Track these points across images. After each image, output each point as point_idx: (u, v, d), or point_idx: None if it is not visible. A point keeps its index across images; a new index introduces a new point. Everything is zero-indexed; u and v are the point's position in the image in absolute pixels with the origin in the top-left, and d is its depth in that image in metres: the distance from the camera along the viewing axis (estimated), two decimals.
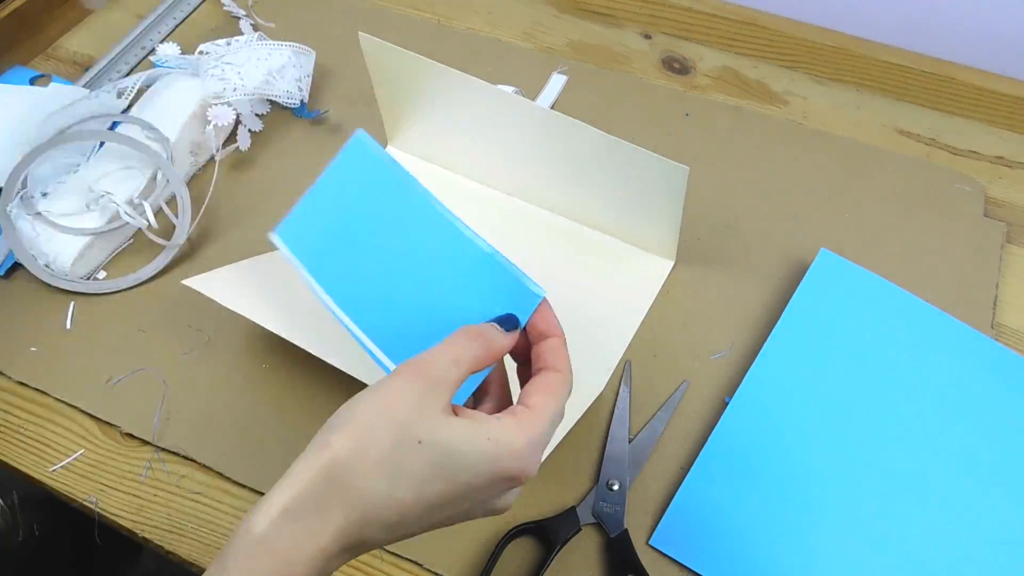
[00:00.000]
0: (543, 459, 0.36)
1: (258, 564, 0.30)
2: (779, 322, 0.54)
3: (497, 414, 0.34)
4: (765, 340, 0.54)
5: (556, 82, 0.70)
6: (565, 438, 0.49)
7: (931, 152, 0.67)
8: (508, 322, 0.37)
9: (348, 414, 0.32)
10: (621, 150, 0.50)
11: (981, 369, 0.52)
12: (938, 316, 0.54)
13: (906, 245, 0.60)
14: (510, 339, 0.36)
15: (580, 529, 0.47)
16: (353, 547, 0.32)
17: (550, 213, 0.60)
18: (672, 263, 0.58)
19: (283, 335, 0.48)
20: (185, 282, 0.50)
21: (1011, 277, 0.59)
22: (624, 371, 0.53)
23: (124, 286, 0.58)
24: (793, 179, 0.64)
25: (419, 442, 0.31)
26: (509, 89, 0.63)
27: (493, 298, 0.39)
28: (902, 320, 0.54)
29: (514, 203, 0.61)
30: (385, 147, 0.65)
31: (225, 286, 0.51)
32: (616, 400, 0.52)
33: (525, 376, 0.38)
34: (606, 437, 0.50)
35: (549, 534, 0.46)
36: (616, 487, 0.48)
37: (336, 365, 0.46)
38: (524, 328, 0.37)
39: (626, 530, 0.47)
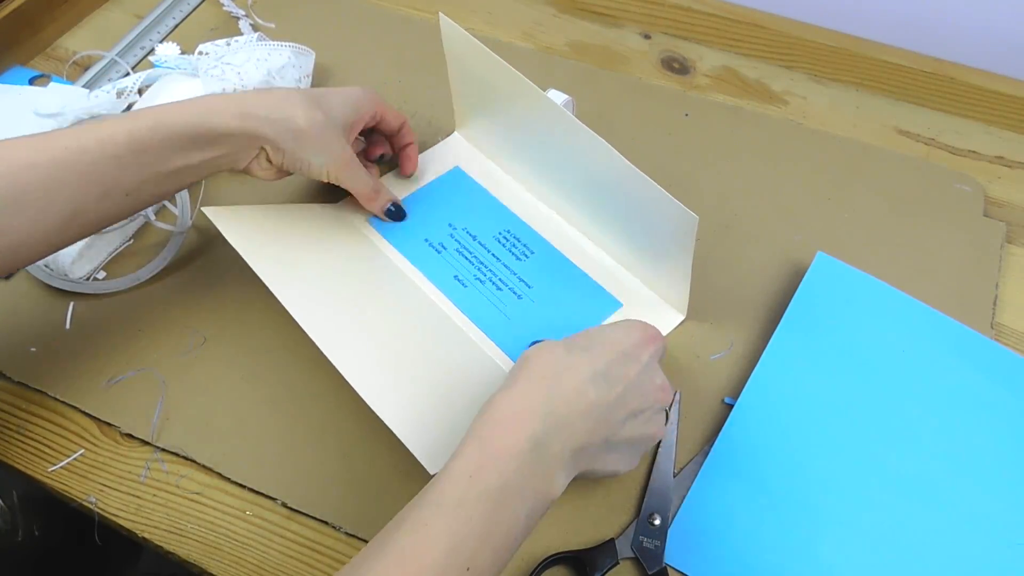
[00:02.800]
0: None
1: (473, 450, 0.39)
2: (778, 328, 0.54)
3: None
4: (765, 340, 0.54)
5: (554, 98, 0.67)
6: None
7: (931, 152, 0.67)
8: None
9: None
10: (639, 183, 0.49)
11: (982, 370, 0.52)
12: (937, 318, 0.54)
13: (906, 245, 0.60)
14: None
15: (618, 563, 0.46)
16: (557, 424, 0.39)
17: (580, 235, 0.59)
18: (682, 317, 0.56)
19: (273, 290, 0.48)
20: (205, 209, 0.52)
21: (1011, 277, 0.59)
22: (673, 403, 0.51)
23: (124, 286, 0.58)
24: (793, 179, 0.64)
25: (572, 342, 0.43)
26: (561, 97, 0.62)
27: (578, 300, 0.56)
28: (901, 323, 0.54)
29: (552, 217, 0.60)
30: (452, 133, 0.66)
31: (241, 225, 0.52)
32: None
33: None
34: (650, 469, 0.49)
35: (585, 565, 0.45)
36: (658, 522, 0.47)
37: (319, 343, 0.47)
38: None
39: (665, 567, 0.45)
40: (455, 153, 0.65)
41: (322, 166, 0.53)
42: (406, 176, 0.62)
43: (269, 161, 0.52)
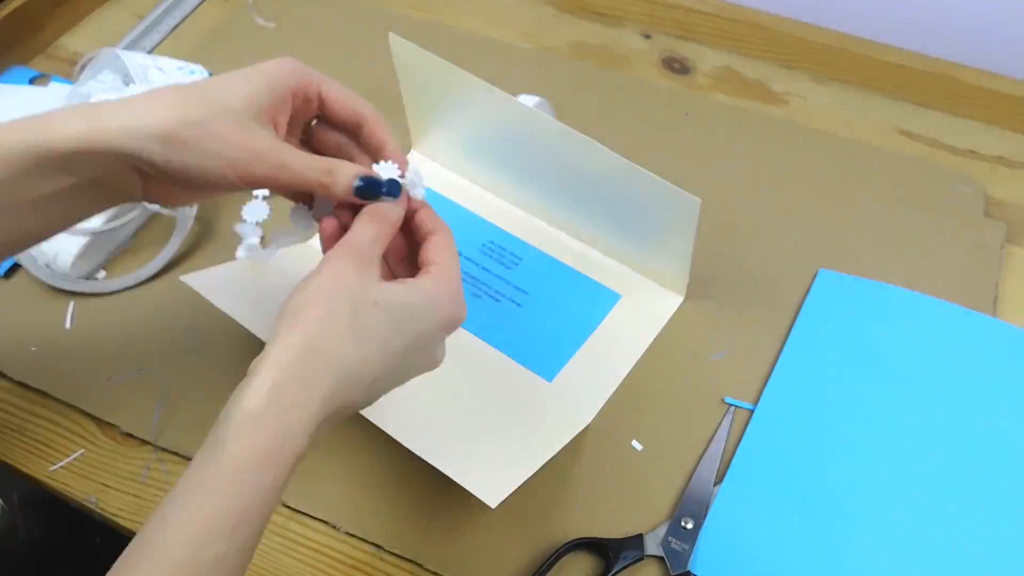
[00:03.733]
0: (515, 488, 0.42)
1: (258, 439, 0.33)
2: (786, 345, 0.53)
3: (419, 275, 0.40)
4: (765, 340, 0.54)
5: (526, 101, 0.64)
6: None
7: (931, 152, 0.67)
8: (391, 190, 0.41)
9: (303, 296, 0.36)
10: (634, 175, 0.49)
11: (997, 353, 0.51)
12: (945, 308, 0.54)
13: (906, 245, 0.60)
14: (401, 209, 0.41)
15: (643, 558, 0.46)
16: (336, 412, 0.36)
17: (563, 234, 0.59)
18: (681, 299, 0.56)
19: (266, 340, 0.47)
20: (183, 278, 0.50)
21: (1011, 277, 0.59)
22: (726, 415, 0.51)
23: (124, 286, 0.58)
24: (793, 179, 0.64)
25: (375, 304, 0.37)
26: (533, 99, 0.62)
27: (577, 298, 0.56)
28: (911, 320, 0.54)
29: (529, 220, 0.60)
30: (408, 151, 0.65)
31: (223, 286, 0.51)
32: (712, 440, 0.50)
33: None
34: (692, 474, 0.49)
35: (609, 553, 0.45)
36: (690, 526, 0.46)
37: None
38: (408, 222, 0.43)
39: (688, 572, 0.45)
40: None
41: (221, 170, 0.39)
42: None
43: (160, 181, 0.41)
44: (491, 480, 0.42)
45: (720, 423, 0.51)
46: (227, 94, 0.40)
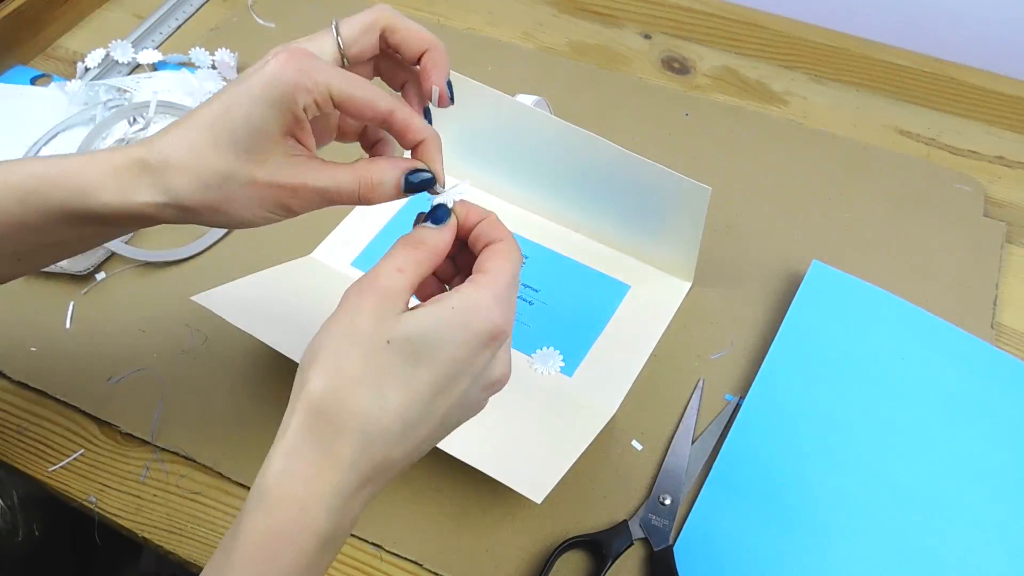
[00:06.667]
0: (557, 482, 0.42)
1: (273, 517, 0.30)
2: (776, 339, 0.53)
3: (452, 290, 0.34)
4: (765, 339, 0.54)
5: (525, 100, 0.64)
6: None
7: (931, 152, 0.67)
8: (438, 216, 0.36)
9: (314, 348, 0.33)
10: (642, 167, 0.49)
11: (981, 375, 0.52)
12: (934, 323, 0.54)
13: (906, 245, 0.60)
14: (446, 232, 0.36)
15: (632, 544, 0.46)
16: (373, 475, 0.32)
17: (566, 230, 0.60)
18: (689, 284, 0.57)
19: (287, 354, 0.47)
20: (194, 298, 0.50)
21: (1011, 277, 0.59)
22: (695, 388, 0.52)
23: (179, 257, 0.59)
24: (793, 179, 0.64)
25: (387, 343, 0.32)
26: (531, 99, 0.62)
27: (588, 292, 0.56)
28: (899, 329, 0.54)
29: (532, 219, 0.60)
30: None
31: (235, 302, 0.51)
32: (683, 415, 0.51)
33: None
34: (667, 450, 0.50)
35: (602, 548, 0.46)
36: (668, 501, 0.47)
37: None
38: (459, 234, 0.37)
39: (671, 547, 0.46)
40: None
41: (255, 216, 0.37)
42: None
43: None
44: (532, 477, 0.43)
45: (690, 398, 0.52)
46: (236, 127, 0.36)
